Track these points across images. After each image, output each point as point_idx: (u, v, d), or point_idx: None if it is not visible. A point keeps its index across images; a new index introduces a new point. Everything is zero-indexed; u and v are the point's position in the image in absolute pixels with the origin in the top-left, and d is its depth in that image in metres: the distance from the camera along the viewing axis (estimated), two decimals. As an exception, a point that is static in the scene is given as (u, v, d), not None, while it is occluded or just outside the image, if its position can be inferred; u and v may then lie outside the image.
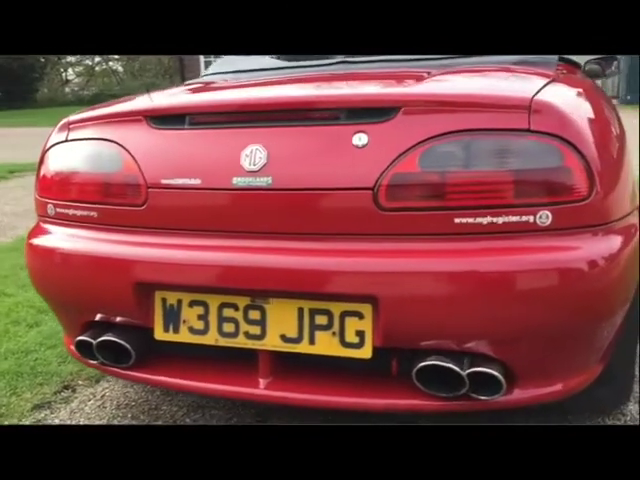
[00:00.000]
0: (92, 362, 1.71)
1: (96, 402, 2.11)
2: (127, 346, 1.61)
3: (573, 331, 1.41)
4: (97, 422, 1.98)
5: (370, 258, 1.39)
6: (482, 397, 1.40)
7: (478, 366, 1.38)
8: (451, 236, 1.37)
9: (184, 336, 1.56)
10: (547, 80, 1.58)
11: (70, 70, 29.38)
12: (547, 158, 1.35)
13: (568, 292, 1.35)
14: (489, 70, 1.82)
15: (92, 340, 1.63)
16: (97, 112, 1.70)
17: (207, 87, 2.04)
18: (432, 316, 1.37)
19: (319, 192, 1.42)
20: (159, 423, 1.94)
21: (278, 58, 2.33)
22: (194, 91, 1.97)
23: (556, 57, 1.94)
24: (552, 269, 1.35)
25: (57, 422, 2.01)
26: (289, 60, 2.27)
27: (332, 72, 1.99)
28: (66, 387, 2.20)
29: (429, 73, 1.72)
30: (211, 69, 2.40)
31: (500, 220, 1.35)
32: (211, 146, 1.52)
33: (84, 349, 1.66)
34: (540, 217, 1.35)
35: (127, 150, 1.59)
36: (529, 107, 1.36)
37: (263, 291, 1.47)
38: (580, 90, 1.66)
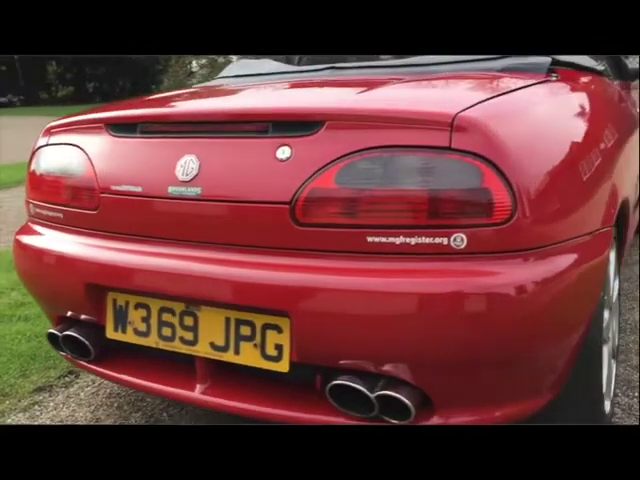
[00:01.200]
0: (62, 353, 1.82)
1: (92, 389, 2.24)
2: (86, 342, 1.69)
3: (493, 360, 1.34)
4: (85, 409, 2.10)
5: (284, 272, 1.38)
6: (393, 421, 1.36)
7: (388, 389, 1.34)
8: (363, 255, 1.33)
9: (130, 337, 1.63)
10: (504, 91, 1.50)
11: (194, 62, 30.67)
12: (465, 178, 1.28)
13: (481, 319, 1.28)
14: (458, 78, 1.74)
15: (59, 333, 1.73)
16: (71, 119, 1.79)
17: (175, 95, 2.09)
18: (341, 335, 1.35)
19: (241, 204, 1.43)
20: (135, 422, 2.03)
21: (284, 62, 2.34)
22: (164, 99, 2.02)
23: (549, 61, 1.83)
24: (463, 294, 1.28)
25: (52, 405, 2.15)
26: (290, 64, 2.28)
27: (314, 78, 1.98)
28: (70, 372, 2.35)
29: (395, 80, 1.68)
30: (222, 73, 2.45)
31: (413, 241, 1.30)
32: (154, 155, 1.57)
33: (53, 341, 1.77)
34: (455, 240, 1.28)
35: (88, 156, 1.67)
36: (451, 124, 1.29)
37: (192, 299, 1.51)
38: (541, 102, 1.55)
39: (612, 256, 1.67)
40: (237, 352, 1.48)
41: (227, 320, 1.48)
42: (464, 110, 1.32)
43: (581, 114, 1.66)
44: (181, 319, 1.55)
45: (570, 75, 1.92)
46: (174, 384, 1.61)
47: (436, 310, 1.28)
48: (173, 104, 1.83)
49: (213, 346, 1.51)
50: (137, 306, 1.61)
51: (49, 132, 1.83)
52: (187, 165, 1.48)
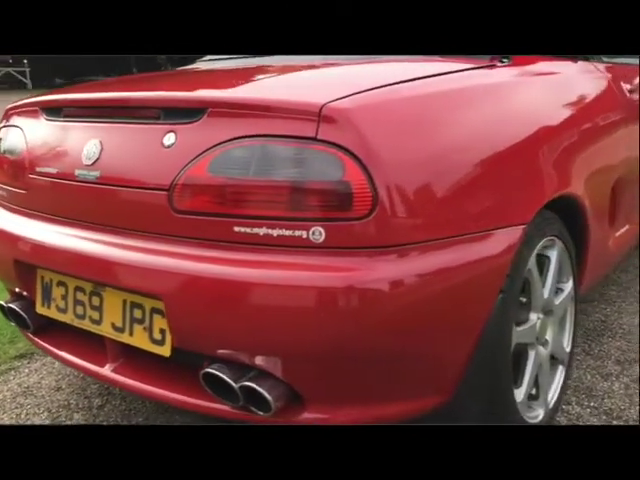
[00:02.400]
0: (12, 324, 1.93)
1: (67, 359, 2.35)
2: (24, 315, 1.78)
3: (358, 356, 1.30)
4: (52, 377, 2.22)
5: (158, 258, 1.40)
6: (259, 412, 1.36)
7: (250, 381, 1.33)
8: (231, 244, 1.32)
9: (53, 313, 1.70)
10: (397, 80, 1.44)
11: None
12: (326, 170, 1.25)
13: (331, 315, 1.25)
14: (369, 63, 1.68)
15: (5, 305, 1.83)
16: (19, 102, 1.87)
17: (110, 81, 2.12)
18: (206, 324, 1.35)
19: (129, 189, 1.45)
20: (91, 393, 2.12)
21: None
22: (97, 84, 2.07)
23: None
24: (312, 289, 1.25)
25: (26, 371, 2.28)
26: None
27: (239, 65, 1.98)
28: (53, 342, 2.47)
29: (306, 66, 1.66)
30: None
31: (275, 233, 1.28)
32: (69, 138, 1.61)
33: (2, 312, 1.87)
34: (313, 233, 1.25)
35: (26, 138, 1.75)
36: (319, 114, 1.26)
37: (95, 280, 1.55)
38: (441, 92, 1.46)
39: (534, 261, 1.56)
40: (131, 334, 1.52)
41: (124, 302, 1.52)
42: (334, 101, 1.28)
43: (494, 103, 1.55)
44: (90, 299, 1.60)
45: (523, 60, 1.80)
46: (92, 360, 1.67)
47: (288, 304, 1.26)
48: (95, 89, 1.87)
49: (114, 327, 1.55)
50: (58, 284, 1.67)
51: (6, 114, 1.92)
52: (91, 149, 1.52)
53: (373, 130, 1.26)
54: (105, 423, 1.92)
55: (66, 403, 2.04)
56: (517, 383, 1.60)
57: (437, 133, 1.36)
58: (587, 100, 1.90)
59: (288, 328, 1.28)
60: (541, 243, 1.60)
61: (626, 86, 2.19)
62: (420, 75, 1.50)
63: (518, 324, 1.56)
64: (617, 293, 2.69)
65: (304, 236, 1.26)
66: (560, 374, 1.80)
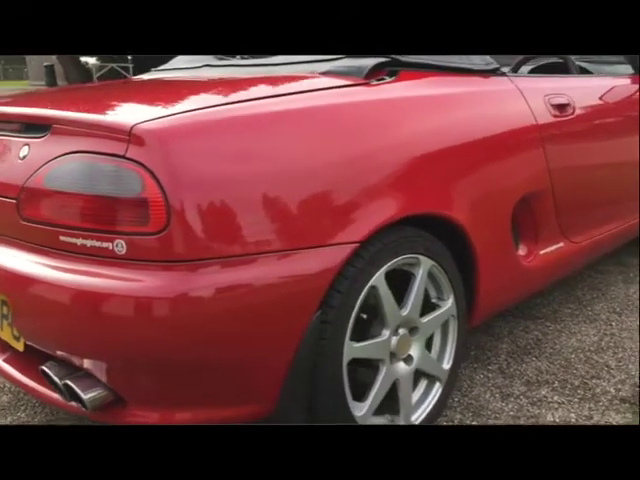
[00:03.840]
0: None
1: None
2: None
3: (160, 363, 1.37)
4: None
5: (7, 260, 1.52)
6: (82, 408, 1.46)
7: (70, 380, 1.43)
8: (59, 252, 1.43)
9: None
10: (231, 101, 1.51)
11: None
12: (129, 186, 1.33)
13: (128, 325, 1.33)
14: (261, 81, 1.74)
15: None
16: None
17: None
18: (38, 325, 1.47)
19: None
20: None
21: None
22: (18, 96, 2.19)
23: (370, 64, 1.74)
24: (116, 298, 1.33)
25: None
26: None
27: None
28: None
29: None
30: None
31: (88, 243, 1.37)
32: None
33: None
34: (117, 245, 1.34)
35: None
36: (129, 134, 1.34)
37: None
38: (271, 114, 1.49)
39: (381, 278, 1.58)
40: (2, 329, 1.65)
41: (-2, 299, 1.66)
42: (144, 122, 1.35)
43: (330, 124, 1.55)
44: (-22, 292, 1.75)
45: (410, 76, 1.80)
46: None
47: (92, 311, 1.35)
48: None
49: (-9, 320, 1.70)
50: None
51: None
52: None
53: (175, 150, 1.33)
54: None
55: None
56: (363, 397, 1.62)
57: (247, 156, 1.40)
58: (478, 122, 1.86)
59: (93, 334, 1.37)
60: (395, 261, 1.61)
61: (557, 101, 2.13)
62: (254, 96, 1.55)
63: (359, 339, 1.58)
64: (572, 311, 2.61)
65: (110, 248, 1.35)
66: (436, 391, 1.80)
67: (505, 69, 2.93)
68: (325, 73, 1.78)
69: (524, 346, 2.33)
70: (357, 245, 1.50)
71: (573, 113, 2.17)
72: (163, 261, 1.32)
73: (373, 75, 1.77)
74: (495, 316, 2.50)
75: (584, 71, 2.94)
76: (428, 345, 1.79)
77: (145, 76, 2.40)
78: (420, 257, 1.68)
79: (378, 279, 1.58)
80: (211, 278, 1.34)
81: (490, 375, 2.13)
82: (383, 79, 1.77)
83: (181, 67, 2.31)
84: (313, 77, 1.77)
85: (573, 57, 3.19)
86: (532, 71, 3.05)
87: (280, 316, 1.42)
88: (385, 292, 1.60)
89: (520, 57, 2.91)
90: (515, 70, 2.93)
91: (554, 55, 2.64)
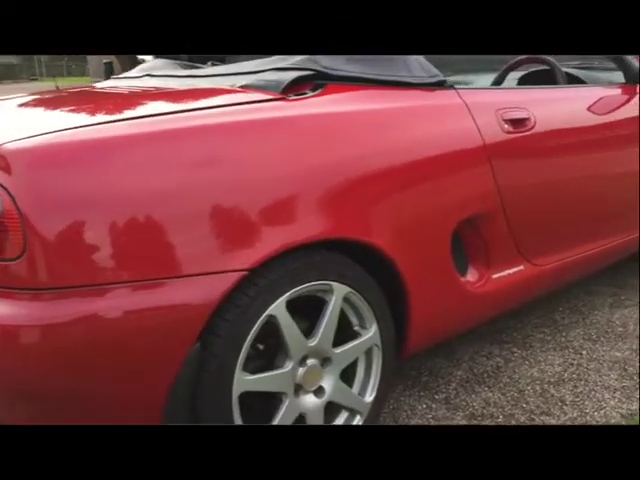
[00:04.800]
0: None
1: None
2: None
3: (32, 391, 1.32)
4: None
5: None
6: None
7: None
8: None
9: None
10: (108, 120, 1.44)
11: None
12: None
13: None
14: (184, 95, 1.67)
15: None
16: None
17: None
18: None
19: None
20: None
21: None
22: None
23: (290, 78, 1.65)
24: None
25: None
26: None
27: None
28: None
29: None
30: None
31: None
32: None
33: None
34: None
35: None
36: None
37: None
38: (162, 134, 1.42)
39: (281, 307, 1.48)
40: None
41: None
42: (12, 142, 1.30)
43: (226, 144, 1.46)
44: None
45: (336, 91, 1.70)
46: None
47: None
48: None
49: None
50: None
51: None
52: None
53: (38, 173, 1.27)
54: None
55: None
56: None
57: (114, 180, 1.33)
58: (408, 140, 1.73)
59: None
60: (299, 288, 1.52)
61: (512, 115, 1.98)
62: (150, 113, 1.48)
63: (255, 371, 1.50)
64: (544, 337, 2.45)
65: None
66: (357, 424, 1.69)
67: (490, 78, 2.86)
68: (244, 87, 1.69)
69: (480, 374, 2.19)
70: (245, 273, 1.41)
71: (533, 128, 2.02)
72: (21, 288, 1.27)
73: (296, 89, 1.68)
74: (460, 339, 2.39)
75: (575, 79, 2.77)
76: (349, 375, 1.70)
77: (99, 84, 2.36)
78: (333, 284, 1.58)
79: (277, 308, 1.49)
80: (70, 307, 1.27)
81: (434, 405, 2.00)
82: (305, 93, 1.67)
83: (130, 76, 2.26)
84: (229, 92, 1.68)
85: (571, 64, 3.06)
86: (520, 80, 2.91)
87: (152, 348, 1.34)
88: (286, 321, 1.51)
89: (507, 65, 2.78)
90: (501, 78, 2.81)
91: (555, 55, 2.53)
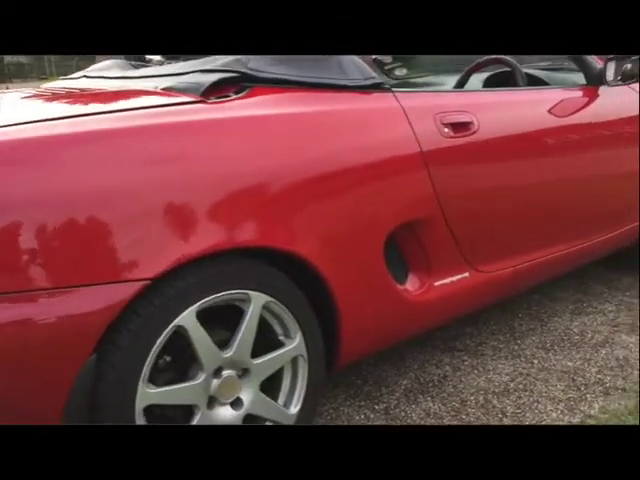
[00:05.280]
0: None
1: None
2: None
3: None
4: None
5: None
6: None
7: None
8: None
9: None
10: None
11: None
12: None
13: None
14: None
15: None
16: None
17: None
18: None
19: None
20: None
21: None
22: None
23: (211, 80, 1.61)
24: None
25: None
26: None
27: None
28: None
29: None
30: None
31: None
32: None
33: None
34: None
35: None
36: None
37: None
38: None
39: (191, 317, 1.44)
40: None
41: None
42: None
43: (134, 147, 1.42)
44: None
45: (262, 93, 1.65)
46: None
47: None
48: None
49: None
50: None
51: None
52: None
53: None
54: None
55: None
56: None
57: (19, 182, 1.29)
58: (336, 145, 1.67)
59: None
60: (212, 297, 1.47)
61: (453, 119, 1.92)
62: (59, 115, 1.45)
63: (166, 383, 1.45)
64: (497, 344, 2.40)
65: None
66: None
67: (449, 80, 2.79)
68: (166, 89, 1.65)
69: (426, 383, 2.14)
70: (147, 282, 1.36)
71: (476, 132, 1.96)
72: None
73: (218, 91, 1.63)
74: (411, 345, 2.34)
75: (538, 81, 2.71)
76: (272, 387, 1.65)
77: (48, 85, 2.32)
78: (250, 293, 1.54)
79: (186, 318, 1.44)
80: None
81: (372, 416, 1.96)
82: (228, 96, 1.63)
83: (72, 77, 2.22)
84: (149, 94, 1.64)
85: (541, 66, 3.00)
86: (485, 81, 2.85)
87: (45, 359, 1.30)
88: (197, 332, 1.46)
89: (468, 66, 2.72)
90: (463, 80, 2.75)
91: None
